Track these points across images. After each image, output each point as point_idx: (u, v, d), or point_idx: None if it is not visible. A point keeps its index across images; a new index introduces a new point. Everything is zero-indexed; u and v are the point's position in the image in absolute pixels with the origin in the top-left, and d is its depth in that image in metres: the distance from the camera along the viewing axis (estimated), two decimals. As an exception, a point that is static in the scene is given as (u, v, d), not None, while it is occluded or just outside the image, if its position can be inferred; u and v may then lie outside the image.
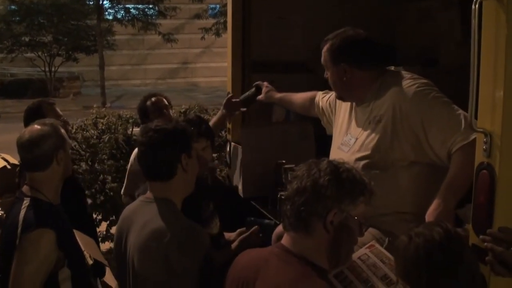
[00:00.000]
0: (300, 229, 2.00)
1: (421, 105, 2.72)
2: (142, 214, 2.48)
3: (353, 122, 3.04)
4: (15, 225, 2.63)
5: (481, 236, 2.01)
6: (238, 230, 3.17)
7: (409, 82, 2.82)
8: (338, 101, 3.26)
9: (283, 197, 3.59)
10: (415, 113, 2.72)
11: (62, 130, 2.85)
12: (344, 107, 3.17)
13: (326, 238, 1.97)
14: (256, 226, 3.08)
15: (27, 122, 3.17)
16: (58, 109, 3.92)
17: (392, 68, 3.07)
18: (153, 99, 4.14)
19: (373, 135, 2.85)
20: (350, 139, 2.99)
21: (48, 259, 2.62)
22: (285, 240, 2.06)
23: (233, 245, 3.04)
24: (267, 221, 3.61)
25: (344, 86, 2.97)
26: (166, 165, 2.46)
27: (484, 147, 2.06)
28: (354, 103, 3.08)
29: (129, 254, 2.45)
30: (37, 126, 2.78)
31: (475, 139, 2.25)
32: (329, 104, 3.42)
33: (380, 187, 2.76)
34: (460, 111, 2.64)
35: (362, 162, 2.84)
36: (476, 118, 2.10)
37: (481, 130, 2.07)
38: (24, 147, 2.73)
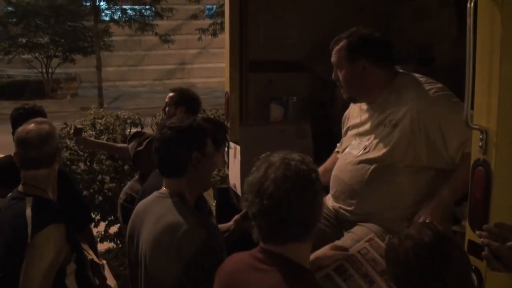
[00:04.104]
0: (281, 240, 1.94)
1: (438, 109, 2.74)
2: (155, 209, 2.48)
3: (363, 125, 3.05)
4: (23, 225, 2.60)
5: (477, 232, 2.02)
6: (234, 218, 3.23)
7: (426, 86, 2.83)
8: (348, 110, 3.25)
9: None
10: (433, 117, 2.74)
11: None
12: (356, 112, 3.15)
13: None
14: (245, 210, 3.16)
15: None
16: None
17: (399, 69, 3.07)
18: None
19: (388, 139, 2.85)
20: (359, 143, 3.00)
21: (60, 253, 2.64)
22: (264, 245, 2.01)
23: (227, 224, 3.11)
24: None
25: (360, 84, 2.96)
26: (176, 163, 2.46)
27: (480, 144, 2.08)
28: (362, 106, 3.08)
29: (141, 249, 2.45)
30: (39, 125, 2.78)
31: None
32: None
33: (387, 190, 2.80)
34: None
35: (372, 166, 2.86)
36: (472, 115, 2.12)
37: (477, 127, 2.09)
38: (32, 144, 2.72)
